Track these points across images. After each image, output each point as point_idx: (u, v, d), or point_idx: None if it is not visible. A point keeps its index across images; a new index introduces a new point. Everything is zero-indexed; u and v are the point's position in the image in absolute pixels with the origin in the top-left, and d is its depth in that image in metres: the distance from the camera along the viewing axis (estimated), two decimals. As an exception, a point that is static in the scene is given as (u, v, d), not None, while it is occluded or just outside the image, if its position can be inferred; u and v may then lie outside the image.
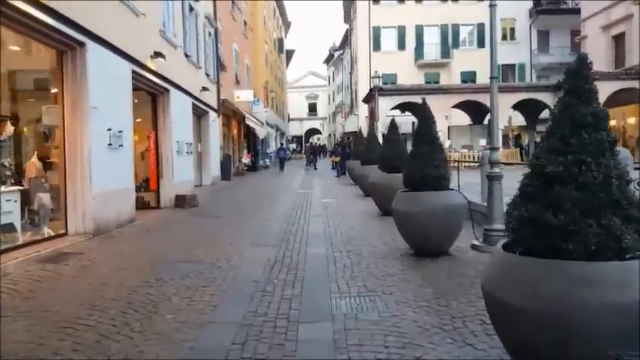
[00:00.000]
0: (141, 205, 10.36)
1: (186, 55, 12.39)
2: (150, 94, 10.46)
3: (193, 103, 12.99)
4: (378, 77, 19.32)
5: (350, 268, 4.99)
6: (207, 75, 15.05)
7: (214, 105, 16.06)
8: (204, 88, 13.98)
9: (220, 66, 17.79)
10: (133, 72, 8.54)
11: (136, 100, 11.06)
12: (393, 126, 8.65)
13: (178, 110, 11.22)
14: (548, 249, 2.27)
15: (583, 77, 2.40)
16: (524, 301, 2.20)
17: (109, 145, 7.27)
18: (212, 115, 15.70)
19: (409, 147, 8.35)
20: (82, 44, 6.76)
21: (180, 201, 10.56)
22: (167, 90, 10.57)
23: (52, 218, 6.67)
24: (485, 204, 6.57)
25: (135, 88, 9.76)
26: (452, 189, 5.50)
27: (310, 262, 5.35)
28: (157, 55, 9.54)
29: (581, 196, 2.23)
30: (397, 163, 8.34)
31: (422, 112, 5.67)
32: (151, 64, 9.50)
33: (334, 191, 13.66)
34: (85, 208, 6.63)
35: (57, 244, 6.14)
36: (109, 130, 7.27)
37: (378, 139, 12.41)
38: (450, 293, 4.02)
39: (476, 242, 5.57)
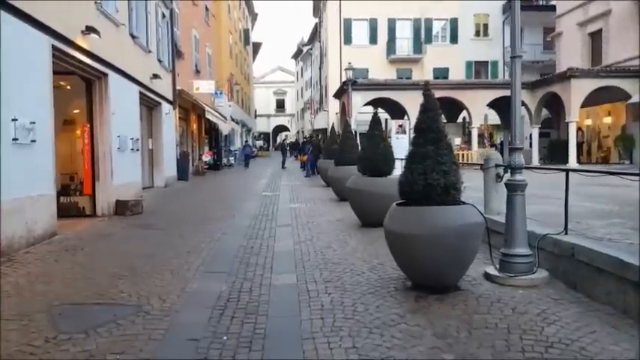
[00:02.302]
0: (75, 212, 8.68)
1: (132, 36, 10.64)
2: (84, 80, 8.70)
3: (141, 92, 11.24)
4: (352, 69, 17.96)
5: (331, 312, 3.62)
6: (160, 61, 13.28)
7: (169, 96, 14.29)
8: (155, 76, 12.23)
9: (177, 53, 16.00)
10: (55, 48, 6.82)
11: (68, 87, 9.38)
12: (375, 121, 7.35)
13: (120, 99, 9.50)
14: None
15: None
16: None
17: (14, 140, 5.58)
18: (166, 107, 13.93)
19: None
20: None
21: (122, 207, 8.88)
22: (105, 74, 8.84)
23: None
24: (493, 218, 5.38)
25: (62, 72, 8.04)
26: (464, 202, 4.15)
27: (276, 302, 3.95)
28: (90, 30, 7.83)
29: None
30: (381, 165, 7.11)
31: (426, 101, 4.35)
32: (82, 42, 7.77)
33: (304, 194, 12.27)
34: (-25, 223, 4.94)
35: None
36: (14, 120, 5.58)
37: (354, 137, 11.09)
38: (482, 363, 2.73)
39: (491, 270, 4.33)
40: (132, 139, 10.18)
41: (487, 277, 4.30)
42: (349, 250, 5.70)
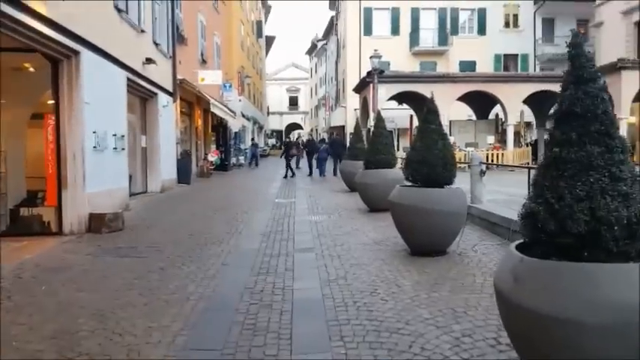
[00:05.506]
0: (39, 228, 6.82)
1: (118, 9, 8.72)
2: (48, 59, 6.79)
3: (130, 79, 9.32)
4: (378, 57, 15.73)
5: None
6: (157, 44, 11.36)
7: (168, 86, 12.36)
8: (149, 60, 10.30)
9: (179, 37, 14.10)
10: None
11: (32, 70, 7.52)
12: (431, 111, 5.30)
13: (99, 86, 7.58)
14: None
15: None
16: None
17: None
18: (164, 98, 12.00)
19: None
20: None
21: (97, 222, 6.95)
22: (75, 52, 6.92)
23: None
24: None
25: (20, 48, 6.19)
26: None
27: None
28: (50, -9, 5.92)
29: None
30: (440, 172, 5.10)
31: (574, 66, 2.36)
32: (39, 7, 5.86)
33: (326, 202, 10.24)
34: None
35: None
36: None
37: (389, 134, 9.04)
38: None
39: None
40: (115, 135, 8.25)
41: None
42: (407, 302, 3.72)
